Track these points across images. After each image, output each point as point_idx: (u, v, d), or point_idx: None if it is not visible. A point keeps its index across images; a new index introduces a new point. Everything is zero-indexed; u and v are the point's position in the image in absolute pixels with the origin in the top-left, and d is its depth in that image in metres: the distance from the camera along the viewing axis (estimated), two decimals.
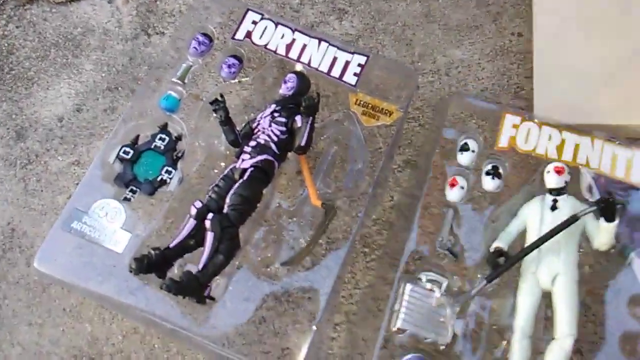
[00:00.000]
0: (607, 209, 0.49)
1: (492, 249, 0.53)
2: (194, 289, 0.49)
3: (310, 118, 0.54)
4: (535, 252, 0.50)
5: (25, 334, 0.60)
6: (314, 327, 0.52)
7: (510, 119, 0.58)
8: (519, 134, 0.57)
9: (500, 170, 0.57)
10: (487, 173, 0.57)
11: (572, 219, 0.49)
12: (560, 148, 0.56)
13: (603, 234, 0.50)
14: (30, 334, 0.60)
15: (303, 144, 0.54)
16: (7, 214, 0.66)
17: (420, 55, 0.71)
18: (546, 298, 0.51)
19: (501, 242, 0.53)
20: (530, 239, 0.52)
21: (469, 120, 0.62)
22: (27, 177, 0.68)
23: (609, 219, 0.49)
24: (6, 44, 0.76)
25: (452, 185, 0.57)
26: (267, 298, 0.54)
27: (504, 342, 0.50)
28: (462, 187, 0.57)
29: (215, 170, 0.58)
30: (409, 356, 0.50)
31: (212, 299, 0.51)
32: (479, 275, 0.53)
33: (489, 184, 0.57)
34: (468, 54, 0.71)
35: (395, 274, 0.54)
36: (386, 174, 0.63)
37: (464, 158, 0.58)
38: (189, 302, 0.51)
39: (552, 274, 0.50)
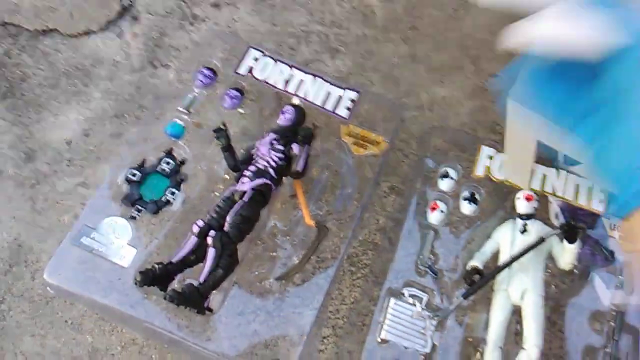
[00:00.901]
0: (569, 232, 0.55)
1: (468, 268, 0.58)
2: (195, 300, 0.53)
3: (307, 146, 0.60)
4: (506, 270, 0.56)
5: (28, 344, 0.63)
6: (304, 339, 0.56)
7: (485, 151, 0.64)
8: (493, 164, 0.63)
9: (477, 197, 0.62)
10: (465, 199, 0.62)
11: (539, 241, 0.55)
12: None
13: (566, 254, 0.56)
14: (33, 345, 0.63)
15: (300, 169, 0.59)
16: (14, 231, 0.70)
17: (406, 92, 0.78)
18: (517, 314, 0.55)
19: (477, 261, 0.58)
20: (503, 258, 0.57)
21: (449, 151, 0.68)
22: (35, 196, 0.72)
23: (571, 241, 0.55)
24: (19, 72, 0.81)
25: (433, 209, 0.62)
26: (259, 312, 0.58)
27: (478, 354, 0.54)
28: (442, 211, 0.62)
29: (216, 193, 0.62)
30: None
31: (211, 310, 0.55)
32: (456, 292, 0.58)
33: (466, 208, 0.62)
34: (449, 92, 0.78)
35: (379, 292, 0.59)
36: (373, 199, 0.68)
37: (444, 184, 0.64)
38: (185, 316, 0.55)
39: (521, 290, 0.55)
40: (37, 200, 0.72)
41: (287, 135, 0.61)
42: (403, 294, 0.58)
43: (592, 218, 0.60)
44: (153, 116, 0.67)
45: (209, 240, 0.53)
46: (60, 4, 0.84)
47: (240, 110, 0.68)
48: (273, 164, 0.59)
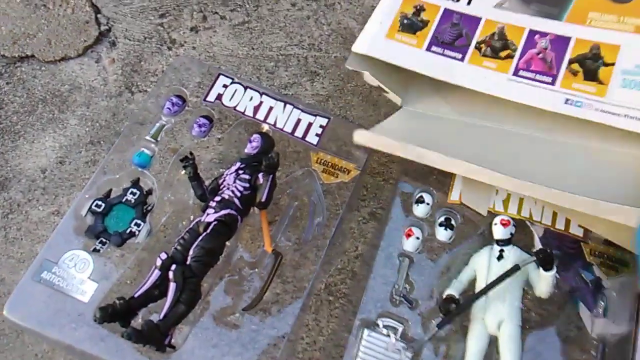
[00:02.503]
0: (544, 259, 0.52)
1: (444, 296, 0.56)
2: (154, 337, 0.50)
3: (271, 176, 0.58)
4: (483, 299, 0.53)
5: None
6: None
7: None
8: None
9: (453, 222, 0.60)
10: (440, 224, 0.60)
11: (515, 269, 0.52)
12: (506, 202, 0.59)
13: (543, 282, 0.53)
14: None
15: (264, 199, 0.58)
16: None
17: (386, 115, 0.75)
18: (495, 343, 0.53)
19: (453, 290, 0.56)
20: (480, 286, 0.55)
21: (430, 175, 0.66)
22: (8, 226, 0.71)
23: (547, 269, 0.52)
24: None
25: (408, 235, 0.60)
26: (234, 345, 0.56)
27: None
28: (418, 238, 0.60)
29: (183, 223, 0.61)
30: None
31: (173, 347, 0.53)
32: (432, 321, 0.55)
33: (442, 234, 0.60)
34: None
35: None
36: (350, 225, 0.66)
37: (419, 210, 0.62)
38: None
39: (497, 319, 0.53)
40: (10, 230, 0.71)
41: (253, 164, 0.59)
42: (378, 325, 0.55)
43: (578, 244, 0.58)
44: (128, 143, 0.66)
45: (170, 274, 0.52)
46: (37, 31, 0.84)
47: (209, 138, 0.67)
48: (238, 193, 0.57)
